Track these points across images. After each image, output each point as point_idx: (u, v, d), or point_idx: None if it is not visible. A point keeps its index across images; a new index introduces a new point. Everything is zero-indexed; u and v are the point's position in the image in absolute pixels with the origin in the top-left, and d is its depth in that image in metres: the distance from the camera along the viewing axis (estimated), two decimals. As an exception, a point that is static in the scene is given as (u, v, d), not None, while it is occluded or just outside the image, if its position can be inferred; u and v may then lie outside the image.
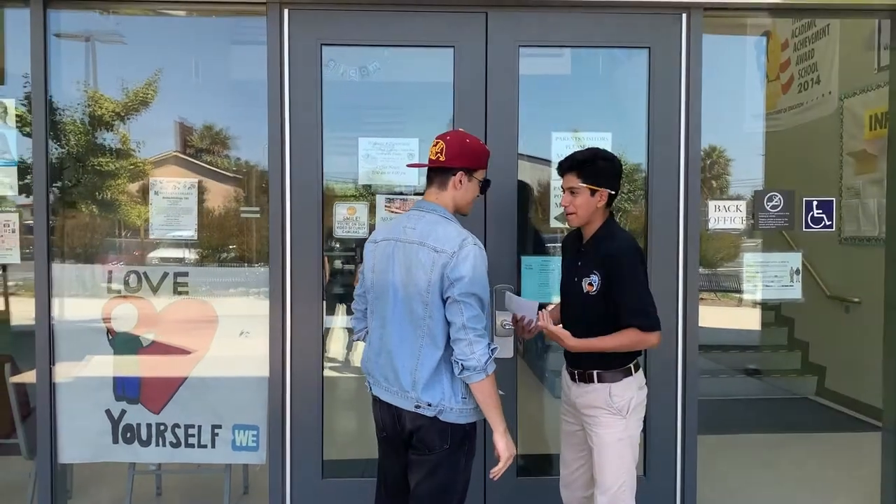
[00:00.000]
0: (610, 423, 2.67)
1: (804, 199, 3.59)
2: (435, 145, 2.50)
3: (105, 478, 3.94)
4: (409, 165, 2.62)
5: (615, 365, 2.68)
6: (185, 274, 3.47)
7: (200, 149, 4.56)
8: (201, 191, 4.35)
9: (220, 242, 4.20)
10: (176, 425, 3.45)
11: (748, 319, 7.44)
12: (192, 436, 3.45)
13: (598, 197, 2.65)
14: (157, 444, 3.45)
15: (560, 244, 4.34)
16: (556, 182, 3.56)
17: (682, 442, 3.50)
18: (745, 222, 3.53)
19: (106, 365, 3.45)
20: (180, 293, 3.46)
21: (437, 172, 2.49)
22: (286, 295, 3.37)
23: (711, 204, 3.54)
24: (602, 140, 3.56)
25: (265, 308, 3.38)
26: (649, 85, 3.45)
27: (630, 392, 2.69)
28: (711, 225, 3.52)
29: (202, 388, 3.45)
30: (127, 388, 3.44)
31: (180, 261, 3.86)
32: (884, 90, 4.40)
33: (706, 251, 8.70)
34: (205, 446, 3.45)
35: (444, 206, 2.47)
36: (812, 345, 6.71)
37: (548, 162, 3.61)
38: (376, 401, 2.52)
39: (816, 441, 5.28)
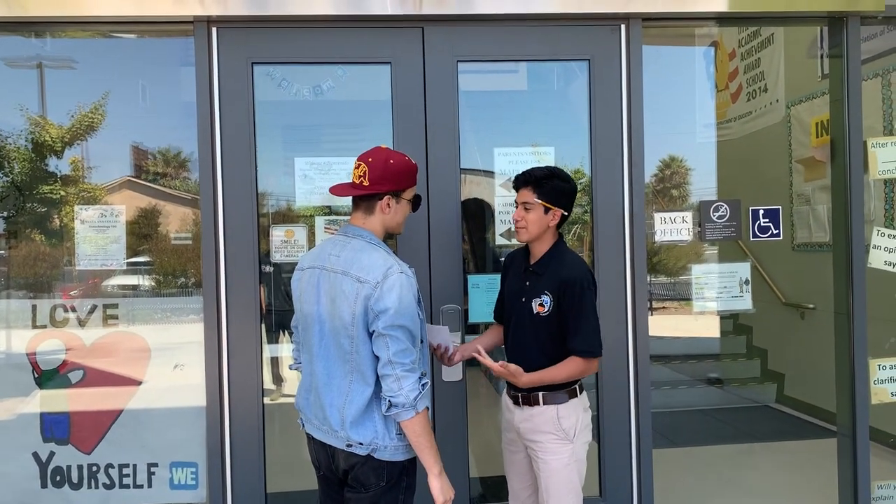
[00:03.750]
0: (556, 449, 2.61)
1: (750, 208, 3.56)
2: (357, 168, 2.34)
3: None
4: (331, 191, 2.44)
5: (561, 386, 2.62)
6: (115, 305, 3.31)
7: (155, 172, 4.43)
8: (155, 215, 4.22)
9: (157, 270, 4.06)
10: (109, 465, 3.27)
11: (708, 328, 7.44)
12: (127, 476, 3.28)
13: (550, 215, 2.61)
14: (90, 487, 3.27)
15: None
16: (500, 199, 3.52)
17: (638, 457, 3.42)
18: (691, 233, 3.48)
19: (32, 404, 3.26)
20: (110, 325, 3.30)
21: (363, 197, 2.34)
22: (221, 323, 3.23)
23: (657, 216, 3.48)
24: (545, 154, 3.50)
25: (200, 335, 3.23)
26: (590, 96, 3.40)
27: (576, 413, 2.64)
28: (658, 237, 3.47)
29: (136, 425, 3.29)
30: (56, 429, 3.26)
31: (132, 288, 3.71)
32: (828, 97, 4.43)
33: (667, 260, 8.73)
34: (141, 486, 3.28)
35: (372, 230, 2.34)
36: (770, 352, 6.72)
37: (491, 174, 3.53)
38: (310, 439, 2.39)
39: (777, 449, 5.26)
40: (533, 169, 2.66)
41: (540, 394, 2.61)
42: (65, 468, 3.26)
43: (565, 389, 2.63)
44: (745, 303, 3.58)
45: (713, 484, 4.50)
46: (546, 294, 2.59)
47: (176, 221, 4.22)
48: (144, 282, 3.93)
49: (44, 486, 3.27)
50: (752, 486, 4.44)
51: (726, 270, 3.60)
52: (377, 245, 2.31)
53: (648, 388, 3.42)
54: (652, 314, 8.70)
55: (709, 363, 7.05)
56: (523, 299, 2.65)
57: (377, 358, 2.20)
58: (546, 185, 2.60)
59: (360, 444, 2.22)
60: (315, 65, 3.42)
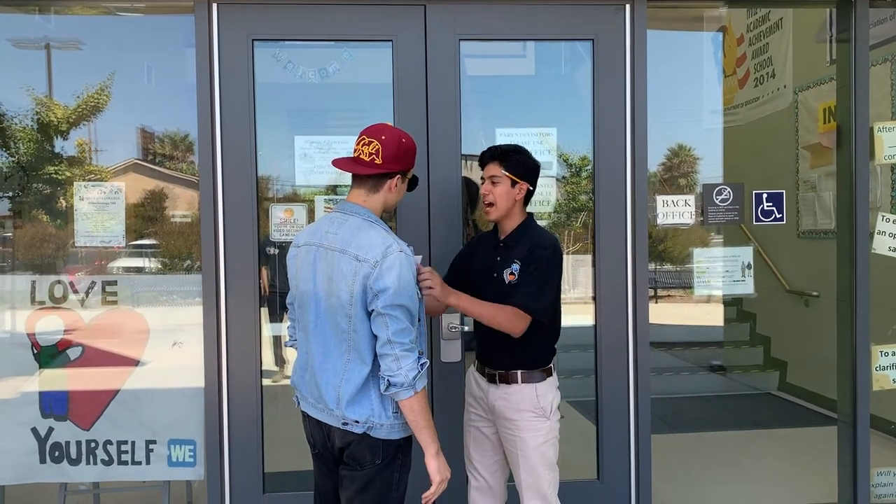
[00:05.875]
0: (535, 426, 2.63)
1: (753, 192, 3.52)
2: (367, 144, 2.28)
3: (42, 497, 3.75)
4: (337, 165, 2.35)
5: (538, 365, 2.67)
6: (114, 283, 3.31)
7: (162, 155, 4.43)
8: (161, 198, 4.22)
9: (164, 253, 4.06)
10: (108, 442, 3.27)
11: (712, 316, 7.43)
12: (126, 452, 3.28)
13: (517, 189, 2.64)
14: (88, 463, 3.27)
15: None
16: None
17: (636, 442, 3.42)
18: (693, 217, 3.46)
19: (31, 380, 3.27)
20: (109, 303, 3.30)
21: (372, 175, 2.30)
22: (220, 302, 3.22)
23: (660, 199, 3.46)
24: (547, 136, 3.48)
25: (199, 316, 3.23)
26: (594, 77, 3.36)
27: (552, 391, 2.69)
28: (660, 220, 3.44)
29: (134, 402, 3.29)
30: (55, 405, 3.26)
31: (137, 270, 3.70)
32: (835, 83, 4.38)
33: (673, 248, 8.70)
34: (139, 463, 3.28)
35: (372, 209, 2.32)
36: (774, 340, 6.70)
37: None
38: (306, 417, 2.39)
39: (778, 437, 5.26)
40: (497, 145, 2.72)
41: (518, 373, 2.65)
42: (63, 444, 3.27)
43: (540, 369, 2.67)
44: (746, 287, 3.56)
45: (713, 470, 4.50)
46: (516, 262, 2.61)
47: (183, 204, 4.22)
48: (150, 264, 3.94)
49: (42, 461, 3.27)
50: (753, 473, 4.44)
51: (728, 254, 3.57)
52: (375, 223, 2.29)
53: (648, 374, 3.40)
54: (657, 302, 8.72)
55: (712, 350, 7.04)
56: (495, 274, 2.66)
57: (375, 337, 2.19)
58: (512, 158, 2.64)
59: (357, 422, 2.21)
60: (315, 42, 3.40)
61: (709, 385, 6.65)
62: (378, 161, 2.26)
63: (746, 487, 4.22)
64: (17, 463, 3.27)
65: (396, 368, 2.15)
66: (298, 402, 2.43)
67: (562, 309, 2.76)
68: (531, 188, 2.70)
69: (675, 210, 3.44)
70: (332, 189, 3.52)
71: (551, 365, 2.72)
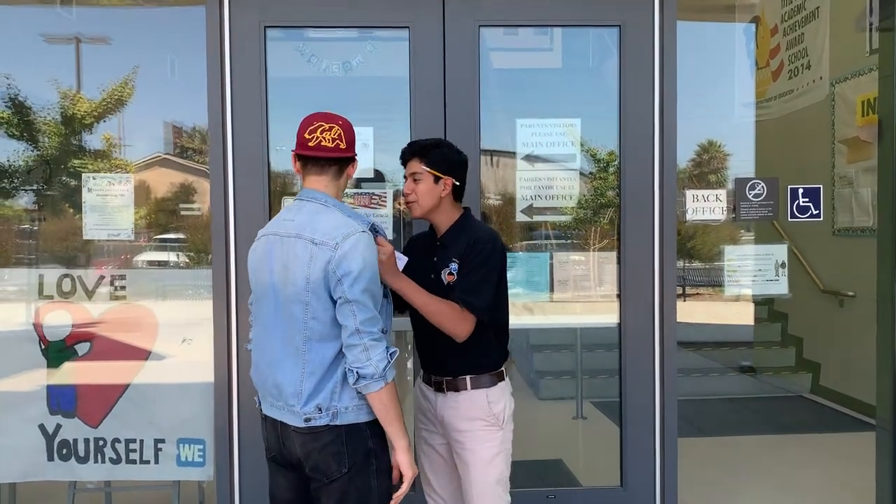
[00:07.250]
0: (487, 436, 2.44)
1: (789, 187, 3.36)
2: (328, 130, 2.15)
3: (53, 494, 3.71)
4: (300, 152, 2.18)
5: (486, 369, 2.47)
6: (123, 277, 3.24)
7: (190, 149, 4.39)
8: (191, 192, 4.18)
9: (190, 247, 4.01)
10: (116, 440, 3.21)
11: (742, 315, 7.24)
12: (134, 451, 3.21)
13: (441, 185, 2.44)
14: (96, 461, 3.21)
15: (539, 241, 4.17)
16: (521, 174, 3.38)
17: (662, 446, 3.28)
18: (725, 212, 3.30)
19: (39, 376, 3.21)
20: (118, 298, 3.23)
21: (335, 161, 2.19)
22: (231, 297, 3.14)
23: (689, 194, 3.31)
24: (571, 126, 3.35)
25: (210, 312, 3.15)
26: (620, 66, 3.23)
27: (505, 398, 2.49)
28: (689, 216, 3.29)
29: (143, 400, 3.22)
30: (62, 401, 3.20)
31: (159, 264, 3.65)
32: (876, 74, 4.19)
33: (702, 246, 8.50)
34: (147, 462, 3.21)
35: (334, 194, 2.20)
36: (806, 341, 6.51)
37: (512, 154, 3.40)
38: (264, 419, 2.25)
39: (811, 442, 5.09)
40: (418, 140, 2.55)
41: (467, 378, 2.45)
42: (71, 441, 3.21)
43: (490, 373, 2.47)
44: (780, 287, 3.39)
45: (742, 476, 4.35)
46: (454, 261, 2.43)
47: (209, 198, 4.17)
48: (174, 258, 3.89)
49: (50, 458, 3.22)
50: (784, 479, 4.29)
51: (762, 252, 3.41)
52: (333, 206, 2.17)
53: (674, 375, 3.27)
54: (685, 300, 8.54)
55: (742, 351, 6.86)
56: (432, 275, 2.47)
57: (337, 325, 2.07)
58: (433, 153, 2.45)
59: (319, 409, 2.08)
60: (330, 29, 3.30)
61: (738, 387, 6.46)
62: (342, 145, 2.17)
63: (777, 495, 4.07)
64: (24, 460, 3.21)
65: (366, 359, 2.02)
66: (259, 403, 2.31)
67: (509, 306, 2.57)
68: (457, 183, 2.50)
69: (706, 206, 3.29)
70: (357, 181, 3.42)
71: (503, 369, 2.52)
